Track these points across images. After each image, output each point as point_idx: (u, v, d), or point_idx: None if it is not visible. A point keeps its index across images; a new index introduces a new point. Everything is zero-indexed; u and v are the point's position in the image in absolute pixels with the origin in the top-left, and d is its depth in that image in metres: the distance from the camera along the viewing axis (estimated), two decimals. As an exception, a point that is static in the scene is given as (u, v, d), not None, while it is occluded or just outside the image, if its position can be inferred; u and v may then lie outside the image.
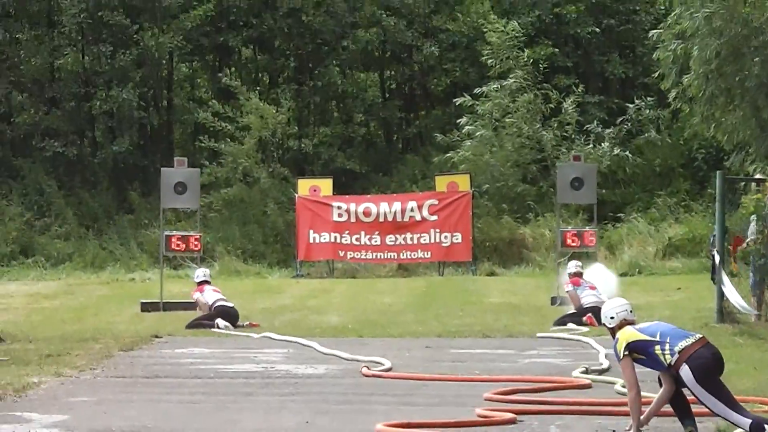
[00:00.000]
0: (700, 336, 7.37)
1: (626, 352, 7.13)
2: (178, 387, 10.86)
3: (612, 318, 7.46)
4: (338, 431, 7.87)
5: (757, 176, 14.74)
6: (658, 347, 7.04)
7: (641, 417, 7.36)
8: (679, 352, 7.00)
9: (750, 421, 6.82)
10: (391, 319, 17.15)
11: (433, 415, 8.28)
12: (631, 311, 7.54)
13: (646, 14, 32.27)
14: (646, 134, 29.54)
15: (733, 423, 6.90)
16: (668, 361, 7.02)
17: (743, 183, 16.49)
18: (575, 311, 16.05)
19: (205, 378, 11.49)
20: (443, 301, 20.07)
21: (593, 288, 16.25)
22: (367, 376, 10.95)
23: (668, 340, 7.14)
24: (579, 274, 16.52)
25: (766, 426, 6.73)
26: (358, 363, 11.67)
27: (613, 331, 7.41)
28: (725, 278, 14.65)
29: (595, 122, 29.38)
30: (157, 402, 9.71)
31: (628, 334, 7.28)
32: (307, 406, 9.17)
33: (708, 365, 7.05)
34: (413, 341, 14.57)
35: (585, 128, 28.95)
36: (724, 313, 14.98)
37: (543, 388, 9.94)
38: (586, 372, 10.66)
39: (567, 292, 16.72)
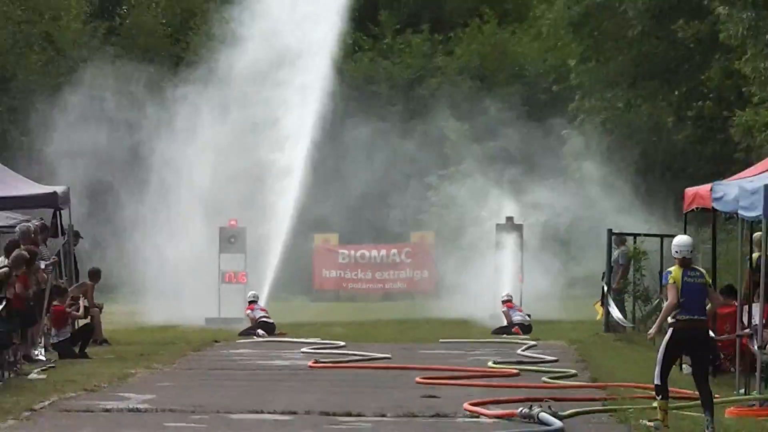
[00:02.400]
0: (704, 319, 9.45)
1: (670, 282, 9.12)
2: (231, 376, 15.12)
3: (677, 252, 9.35)
4: (341, 405, 11.04)
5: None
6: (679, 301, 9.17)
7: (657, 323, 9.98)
8: (677, 318, 9.17)
9: (659, 382, 9.32)
10: (379, 331, 22.88)
11: (380, 396, 12.35)
12: (691, 251, 9.53)
13: None
14: None
15: (656, 372, 9.27)
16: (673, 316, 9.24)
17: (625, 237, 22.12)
18: (507, 325, 21.48)
19: (249, 370, 16.06)
20: (414, 319, 26.03)
21: (520, 310, 21.97)
22: (313, 367, 15.67)
23: (684, 303, 9.12)
24: (510, 300, 21.98)
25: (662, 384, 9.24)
26: (361, 359, 16.56)
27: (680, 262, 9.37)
28: (610, 301, 20.40)
29: None
30: (217, 386, 13.60)
31: (675, 274, 9.17)
32: (321, 389, 13.14)
33: (680, 340, 9.21)
34: (394, 345, 19.30)
35: None
36: (609, 325, 20.64)
37: (472, 374, 14.49)
38: (495, 363, 15.30)
39: (503, 312, 21.94)
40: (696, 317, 9.21)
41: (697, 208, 14.26)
